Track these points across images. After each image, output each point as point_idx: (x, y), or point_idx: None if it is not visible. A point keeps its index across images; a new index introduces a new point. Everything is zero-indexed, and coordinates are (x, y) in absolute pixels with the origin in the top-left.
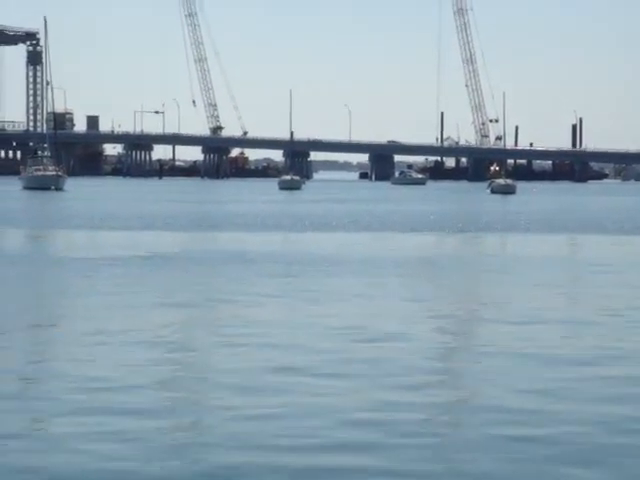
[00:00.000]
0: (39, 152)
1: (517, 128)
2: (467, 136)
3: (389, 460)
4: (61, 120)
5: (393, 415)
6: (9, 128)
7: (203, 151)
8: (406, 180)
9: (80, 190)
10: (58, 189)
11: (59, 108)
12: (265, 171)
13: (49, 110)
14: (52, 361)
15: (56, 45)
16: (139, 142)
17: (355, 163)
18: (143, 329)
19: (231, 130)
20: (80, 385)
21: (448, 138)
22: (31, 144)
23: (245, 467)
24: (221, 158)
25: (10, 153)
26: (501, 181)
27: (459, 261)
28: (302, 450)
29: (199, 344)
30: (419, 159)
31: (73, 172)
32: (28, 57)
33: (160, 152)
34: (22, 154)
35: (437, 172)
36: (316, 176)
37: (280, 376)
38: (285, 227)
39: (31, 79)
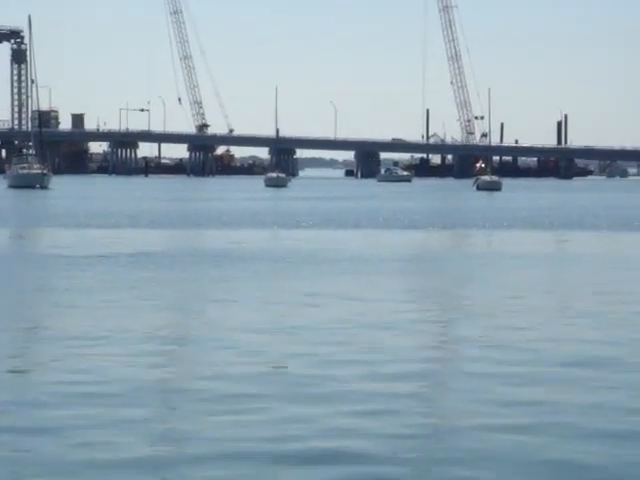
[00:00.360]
0: (24, 150)
1: (502, 125)
2: (453, 133)
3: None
4: (46, 118)
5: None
6: None
7: (189, 149)
8: (392, 177)
9: (65, 188)
10: (43, 187)
11: (44, 106)
12: (251, 169)
13: (34, 108)
14: (35, 358)
15: (41, 43)
16: (125, 140)
17: (341, 160)
18: (129, 328)
19: (217, 128)
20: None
21: (434, 135)
22: (16, 142)
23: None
24: (207, 156)
25: None
26: (487, 178)
27: (445, 258)
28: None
29: (186, 343)
30: (405, 156)
31: (58, 170)
32: (12, 55)
33: (146, 150)
34: (7, 152)
35: (423, 169)
36: (302, 173)
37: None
38: (272, 224)
39: (16, 77)
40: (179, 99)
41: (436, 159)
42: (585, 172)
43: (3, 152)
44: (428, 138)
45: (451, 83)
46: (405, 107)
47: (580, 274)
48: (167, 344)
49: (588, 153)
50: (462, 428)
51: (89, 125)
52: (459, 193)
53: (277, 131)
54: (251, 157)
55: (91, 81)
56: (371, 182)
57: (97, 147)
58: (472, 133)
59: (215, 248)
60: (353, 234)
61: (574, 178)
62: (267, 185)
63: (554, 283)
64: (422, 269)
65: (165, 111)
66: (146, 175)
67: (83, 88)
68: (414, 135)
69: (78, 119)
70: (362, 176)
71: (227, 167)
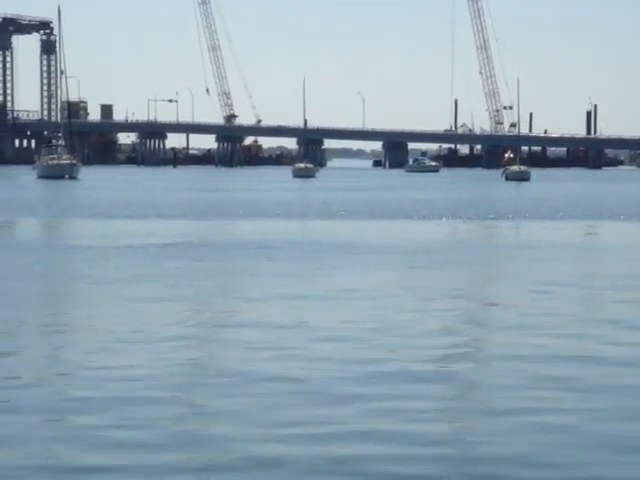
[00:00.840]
0: (53, 141)
1: (531, 115)
2: (482, 123)
3: None
4: (75, 109)
5: None
6: (23, 117)
7: (217, 139)
8: (420, 168)
9: (94, 179)
10: (72, 178)
11: (73, 97)
12: (279, 159)
13: (63, 99)
14: (61, 350)
15: (70, 34)
16: (153, 130)
17: (369, 151)
18: (154, 320)
19: (245, 118)
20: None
21: (463, 125)
22: (45, 133)
23: None
24: (235, 146)
25: (25, 142)
26: (515, 168)
27: (474, 249)
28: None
29: (207, 338)
30: (433, 146)
31: (87, 161)
32: (42, 46)
33: (174, 140)
34: (36, 143)
35: (451, 159)
36: (330, 164)
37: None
38: (301, 215)
39: (45, 68)
40: (207, 90)
41: (464, 149)
42: (615, 162)
43: (33, 143)
44: (456, 128)
45: (480, 73)
46: (433, 97)
47: (607, 264)
48: (196, 337)
49: (618, 143)
50: None
51: (118, 116)
52: (488, 183)
53: (305, 121)
54: (279, 147)
55: (120, 72)
56: (399, 172)
57: (126, 138)
58: (501, 123)
59: (246, 239)
60: (382, 224)
61: (603, 168)
62: (295, 176)
63: (581, 274)
64: (453, 260)
65: (193, 102)
66: (174, 166)
67: (112, 79)
68: (443, 125)
69: (107, 110)
70: (390, 166)
71: (255, 158)
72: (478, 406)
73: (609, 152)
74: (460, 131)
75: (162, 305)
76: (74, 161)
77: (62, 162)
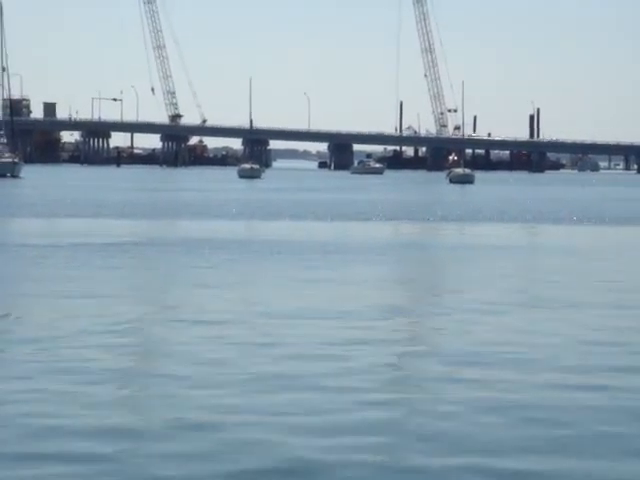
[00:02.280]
0: None
1: (475, 118)
2: (428, 126)
3: None
4: (18, 107)
5: None
6: None
7: (162, 139)
8: (364, 169)
9: (37, 177)
10: (14, 176)
11: (15, 94)
12: (224, 159)
13: (5, 96)
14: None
15: (12, 30)
16: (97, 129)
17: (314, 152)
18: (93, 317)
19: (190, 118)
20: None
21: (409, 127)
22: None
23: None
24: (180, 146)
25: None
26: (459, 171)
27: (414, 249)
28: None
29: (149, 333)
30: (378, 148)
31: (30, 159)
32: None
33: (118, 140)
34: None
35: (396, 161)
36: (275, 165)
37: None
38: (246, 215)
39: None
40: (152, 89)
41: (409, 152)
42: (557, 165)
43: None
44: (401, 130)
45: (425, 76)
46: (379, 99)
47: (548, 264)
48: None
49: (560, 147)
50: None
51: (61, 114)
52: (431, 186)
53: (251, 122)
54: (224, 148)
55: (63, 70)
56: (344, 174)
57: (69, 136)
58: (445, 126)
59: (190, 238)
60: (326, 225)
61: (546, 171)
62: (241, 176)
63: (522, 273)
64: (395, 259)
65: (138, 101)
66: (118, 165)
67: (55, 77)
68: (388, 127)
69: (50, 108)
70: (335, 168)
71: (200, 158)
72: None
73: (551, 156)
74: (406, 133)
75: (94, 301)
76: (16, 159)
77: (3, 160)
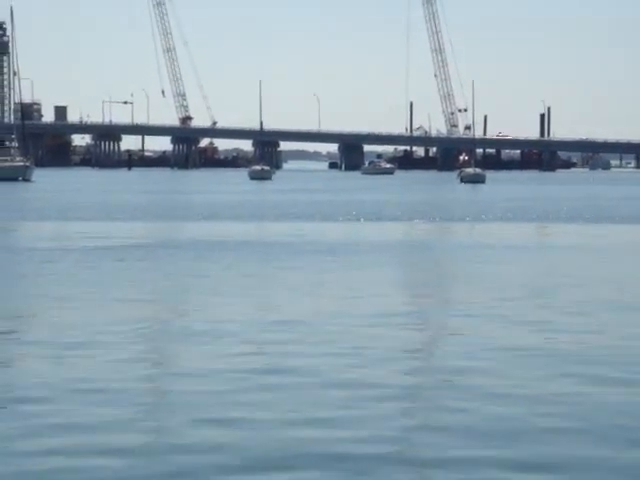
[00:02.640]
0: (6, 143)
1: (486, 117)
2: (438, 126)
3: None
4: (29, 110)
5: None
6: None
7: (172, 141)
8: (374, 170)
9: (48, 181)
10: (26, 180)
11: (27, 98)
12: (235, 161)
13: (16, 100)
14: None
15: (23, 35)
16: (108, 132)
17: (325, 153)
18: (109, 321)
19: (200, 120)
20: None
21: (420, 128)
22: None
23: None
24: (190, 148)
25: None
26: (470, 170)
27: (424, 249)
28: None
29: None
30: (389, 149)
31: (41, 163)
32: None
33: (129, 142)
34: None
35: (406, 162)
36: (286, 166)
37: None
38: (258, 217)
39: None
40: (162, 91)
41: (420, 152)
42: (568, 164)
43: None
44: (412, 131)
45: (435, 76)
46: (390, 100)
47: (560, 264)
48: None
49: (571, 145)
50: None
51: (72, 118)
52: (442, 186)
53: (261, 124)
54: (235, 150)
55: (74, 73)
56: (354, 174)
57: (80, 140)
58: (456, 126)
59: (203, 240)
60: (339, 226)
61: (557, 170)
62: (252, 178)
63: (535, 273)
64: (408, 261)
65: (148, 104)
66: (129, 168)
67: (66, 80)
68: (399, 127)
69: (61, 111)
70: (346, 168)
71: (211, 160)
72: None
73: (562, 154)
74: (418, 133)
75: (104, 305)
76: (27, 163)
77: (15, 164)
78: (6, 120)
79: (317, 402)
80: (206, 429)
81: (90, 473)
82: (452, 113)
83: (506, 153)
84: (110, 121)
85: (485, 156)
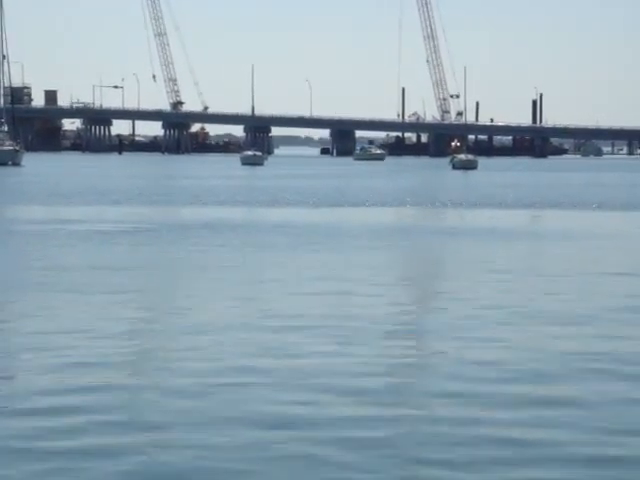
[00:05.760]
0: None
1: (478, 104)
2: (432, 112)
3: None
4: (19, 95)
5: None
6: None
7: (163, 126)
8: (365, 156)
9: (38, 165)
10: (16, 164)
11: (16, 82)
12: (226, 146)
13: (6, 84)
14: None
15: (13, 19)
16: (98, 117)
17: (317, 139)
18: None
19: (192, 105)
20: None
21: (414, 114)
22: None
23: None
24: (182, 133)
25: None
26: (462, 157)
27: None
28: None
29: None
30: (381, 135)
31: (31, 147)
32: None
33: (120, 127)
34: None
35: (398, 148)
36: (277, 152)
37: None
38: (253, 202)
39: None
40: (153, 76)
41: (412, 138)
42: (560, 151)
43: None
44: (404, 117)
45: (427, 61)
46: (382, 85)
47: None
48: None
49: (563, 132)
50: None
51: (62, 102)
52: (435, 171)
53: (252, 109)
54: (226, 135)
55: (64, 57)
56: (346, 160)
57: (70, 124)
58: (448, 111)
59: (197, 223)
60: (333, 212)
61: (549, 157)
62: (243, 163)
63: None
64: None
65: (139, 88)
66: (120, 153)
67: (56, 64)
68: (391, 113)
69: (51, 96)
70: (337, 154)
71: (202, 145)
72: None
73: (554, 141)
74: (412, 119)
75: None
76: (17, 147)
77: (5, 148)
78: None
79: None
80: None
81: None
82: (444, 99)
83: (498, 139)
84: (101, 105)
85: (477, 142)
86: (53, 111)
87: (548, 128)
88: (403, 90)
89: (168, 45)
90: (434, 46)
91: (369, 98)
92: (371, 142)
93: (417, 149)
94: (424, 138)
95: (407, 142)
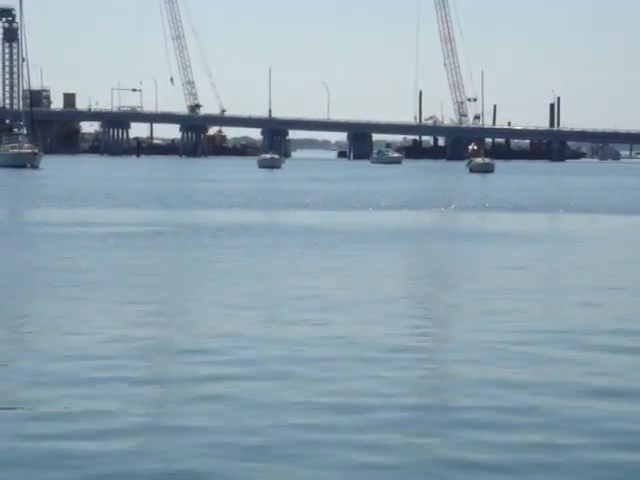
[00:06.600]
0: (15, 130)
1: (495, 107)
2: (450, 115)
3: None
4: (38, 97)
5: None
6: None
7: (181, 129)
8: (382, 159)
9: (56, 168)
10: (34, 167)
11: (35, 85)
12: (243, 149)
13: (25, 87)
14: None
15: (32, 21)
16: (116, 120)
17: (334, 142)
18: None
19: (209, 108)
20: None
21: (432, 117)
22: (7, 121)
23: None
24: (199, 136)
25: None
26: (480, 160)
27: (431, 237)
28: None
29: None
30: (398, 138)
31: (50, 150)
32: (4, 34)
33: (138, 130)
34: None
35: (415, 151)
36: (294, 155)
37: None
38: (272, 205)
39: (7, 56)
40: (171, 79)
41: (429, 141)
42: (577, 155)
43: None
44: (421, 120)
45: (444, 65)
46: (399, 89)
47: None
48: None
49: (580, 136)
50: None
51: (81, 105)
52: (452, 175)
53: (270, 112)
54: (243, 138)
55: (83, 60)
56: (363, 164)
57: (89, 127)
58: (465, 115)
59: (213, 226)
60: (351, 214)
61: (566, 160)
62: (260, 166)
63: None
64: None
65: (157, 91)
66: (138, 155)
67: (75, 67)
68: (408, 117)
69: (69, 98)
70: (355, 157)
71: (219, 148)
72: None
73: (572, 144)
74: (430, 123)
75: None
76: (36, 150)
77: (24, 151)
78: (15, 107)
79: None
80: None
81: None
82: (461, 102)
83: (515, 143)
84: (119, 108)
85: (494, 146)
86: (71, 114)
87: (565, 132)
88: (420, 93)
89: (186, 48)
90: (451, 49)
91: (386, 101)
92: (388, 145)
93: (434, 152)
94: (441, 141)
95: (424, 145)
